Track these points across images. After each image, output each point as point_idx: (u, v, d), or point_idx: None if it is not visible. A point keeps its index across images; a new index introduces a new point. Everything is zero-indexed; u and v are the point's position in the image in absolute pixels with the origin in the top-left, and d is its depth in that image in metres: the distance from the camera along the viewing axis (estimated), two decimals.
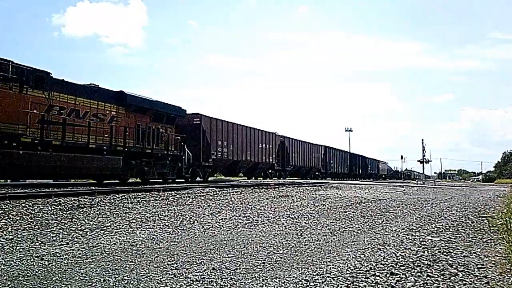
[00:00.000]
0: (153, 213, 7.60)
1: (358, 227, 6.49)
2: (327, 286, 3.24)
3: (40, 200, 8.38)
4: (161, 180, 18.29)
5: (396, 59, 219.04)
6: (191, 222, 6.65)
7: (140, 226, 6.16)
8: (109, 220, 6.62)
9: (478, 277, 3.57)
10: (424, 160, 67.93)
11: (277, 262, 4.01)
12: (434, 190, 21.02)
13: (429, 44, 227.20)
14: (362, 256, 4.31)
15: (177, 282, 3.30)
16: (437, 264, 4.00)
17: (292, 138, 35.36)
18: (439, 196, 15.74)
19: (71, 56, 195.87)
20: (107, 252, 4.37)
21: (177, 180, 19.61)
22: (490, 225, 6.86)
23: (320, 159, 40.93)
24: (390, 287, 3.24)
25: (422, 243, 5.12)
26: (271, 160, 29.93)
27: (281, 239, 5.27)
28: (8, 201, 7.87)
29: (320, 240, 5.26)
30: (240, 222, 6.82)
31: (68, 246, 4.69)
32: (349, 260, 4.08)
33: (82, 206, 8.13)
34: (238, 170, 27.13)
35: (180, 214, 7.49)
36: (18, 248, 4.53)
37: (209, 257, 4.20)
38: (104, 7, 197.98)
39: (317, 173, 39.31)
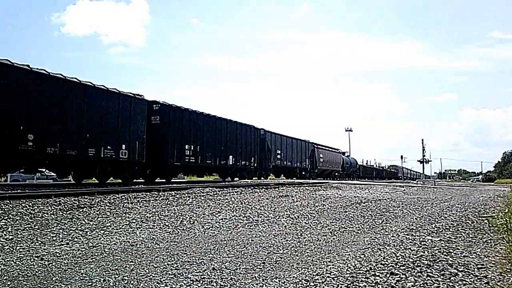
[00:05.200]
0: (153, 213, 7.60)
1: (358, 227, 6.49)
2: (327, 286, 3.24)
3: (40, 200, 8.38)
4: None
5: (396, 59, 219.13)
6: (191, 222, 6.65)
7: (140, 226, 6.16)
8: (109, 220, 6.62)
9: (478, 277, 3.57)
10: (424, 160, 67.61)
11: (277, 262, 4.01)
12: (434, 190, 21.01)
13: (429, 44, 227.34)
14: (362, 256, 4.31)
15: (177, 282, 3.30)
16: (437, 264, 4.00)
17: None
18: (439, 196, 15.74)
19: (71, 55, 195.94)
20: (107, 252, 4.37)
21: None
22: (490, 225, 6.86)
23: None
24: (390, 287, 3.24)
25: (422, 243, 5.12)
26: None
27: (281, 239, 5.27)
28: (8, 201, 7.87)
29: (320, 240, 5.26)
30: (240, 222, 6.82)
31: (68, 246, 4.69)
32: (349, 260, 4.09)
33: (82, 206, 8.13)
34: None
35: (180, 214, 7.49)
36: (18, 248, 4.53)
37: (209, 257, 4.20)
38: (105, 6, 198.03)
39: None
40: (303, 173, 36.95)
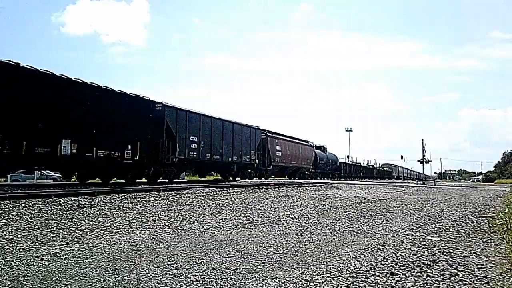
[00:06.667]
0: (153, 213, 7.60)
1: (358, 227, 6.49)
2: (327, 286, 3.24)
3: (40, 200, 8.38)
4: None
5: (396, 59, 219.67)
6: (191, 222, 6.65)
7: (140, 226, 6.16)
8: (109, 220, 6.62)
9: (478, 277, 3.56)
10: (424, 160, 67.70)
11: (277, 262, 4.00)
12: (434, 190, 21.01)
13: (429, 44, 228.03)
14: (362, 256, 4.31)
15: (177, 282, 3.30)
16: (437, 264, 4.00)
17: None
18: (439, 196, 15.74)
19: (71, 55, 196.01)
20: (107, 252, 4.37)
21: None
22: (490, 225, 6.86)
23: None
24: (390, 287, 3.24)
25: (422, 243, 5.12)
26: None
27: (281, 239, 5.27)
28: (8, 201, 7.87)
29: (320, 240, 5.26)
30: (240, 222, 6.81)
31: (68, 246, 4.69)
32: (349, 260, 4.08)
33: (82, 206, 8.13)
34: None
35: (180, 214, 7.49)
36: (18, 248, 4.53)
37: (209, 257, 4.20)
38: (105, 5, 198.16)
39: None
40: (249, 170, 26.09)
